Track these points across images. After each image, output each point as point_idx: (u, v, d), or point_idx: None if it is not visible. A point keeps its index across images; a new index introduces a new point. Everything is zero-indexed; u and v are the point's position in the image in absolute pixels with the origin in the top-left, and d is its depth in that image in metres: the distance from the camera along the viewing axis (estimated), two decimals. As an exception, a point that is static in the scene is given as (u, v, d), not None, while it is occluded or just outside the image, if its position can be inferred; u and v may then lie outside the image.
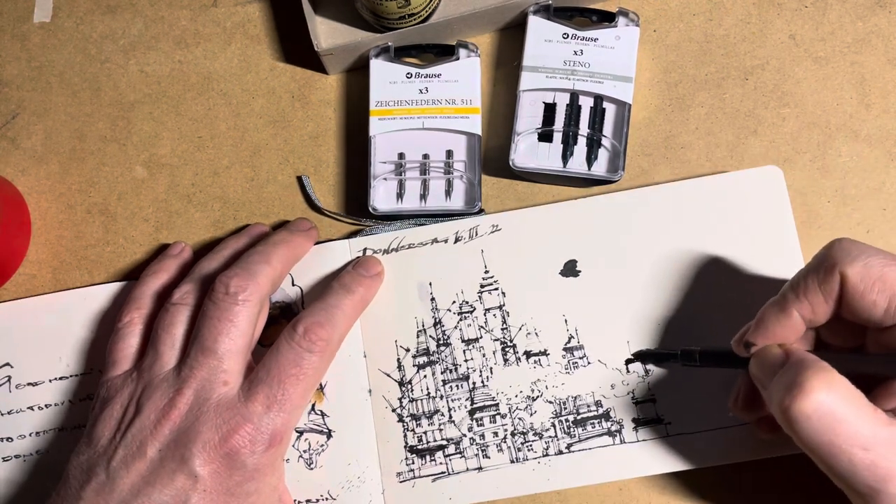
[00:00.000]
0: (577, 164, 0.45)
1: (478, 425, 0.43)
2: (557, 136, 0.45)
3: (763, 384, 0.35)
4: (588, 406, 0.43)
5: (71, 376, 0.45)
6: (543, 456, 0.43)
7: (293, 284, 0.45)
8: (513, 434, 0.43)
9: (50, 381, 0.45)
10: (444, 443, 0.43)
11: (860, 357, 0.35)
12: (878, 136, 0.46)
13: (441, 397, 0.44)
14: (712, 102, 0.47)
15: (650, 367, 0.43)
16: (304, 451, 0.43)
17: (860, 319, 0.34)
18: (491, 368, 0.44)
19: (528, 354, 0.44)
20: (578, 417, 0.43)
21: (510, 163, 0.45)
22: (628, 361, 0.43)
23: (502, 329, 0.44)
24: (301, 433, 0.44)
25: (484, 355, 0.44)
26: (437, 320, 0.45)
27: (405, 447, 0.43)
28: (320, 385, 0.44)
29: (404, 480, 0.43)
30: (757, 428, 0.40)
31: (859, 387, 0.32)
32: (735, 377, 0.40)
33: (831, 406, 0.31)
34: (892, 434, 0.31)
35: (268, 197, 0.48)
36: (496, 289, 0.45)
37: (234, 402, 0.38)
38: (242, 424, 0.37)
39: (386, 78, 0.46)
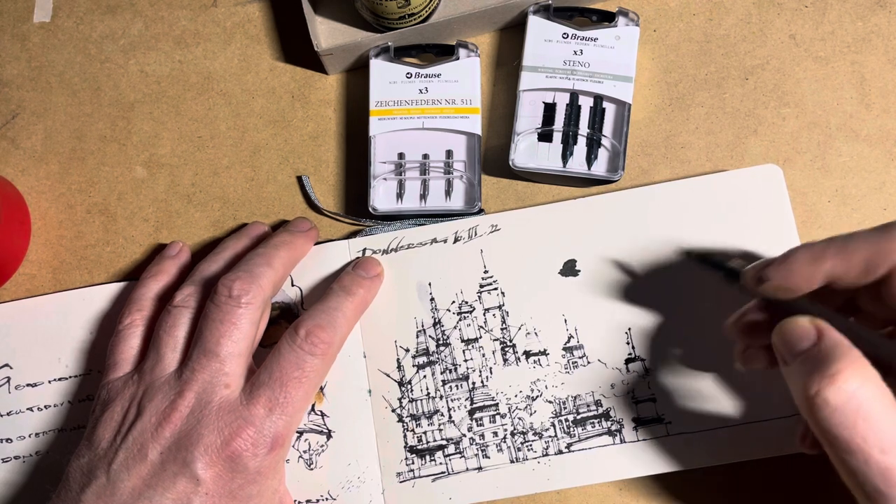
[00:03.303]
0: (577, 163, 0.45)
1: (477, 425, 0.43)
2: (557, 136, 0.45)
3: (785, 359, 0.33)
4: (588, 406, 0.43)
5: (71, 377, 0.45)
6: (543, 456, 0.43)
7: (293, 285, 0.45)
8: (512, 434, 0.43)
9: (49, 381, 0.45)
10: (444, 443, 0.43)
11: (891, 344, 0.32)
12: (878, 136, 0.46)
13: (441, 397, 0.44)
14: (712, 102, 0.47)
15: (647, 360, 0.43)
16: (304, 452, 0.43)
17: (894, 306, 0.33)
18: (490, 368, 0.44)
19: (527, 354, 0.44)
20: (578, 417, 0.43)
21: (510, 163, 0.45)
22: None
23: (502, 329, 0.44)
24: (301, 433, 0.44)
25: (483, 355, 0.44)
26: (437, 320, 0.45)
27: (405, 447, 0.43)
28: (320, 386, 0.44)
29: (404, 480, 0.43)
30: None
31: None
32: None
33: (861, 401, 0.30)
34: None
35: (268, 197, 0.48)
36: (496, 289, 0.45)
37: (236, 405, 0.38)
38: (244, 427, 0.37)
39: (386, 78, 0.46)
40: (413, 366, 0.44)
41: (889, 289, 0.33)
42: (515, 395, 0.43)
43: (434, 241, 0.45)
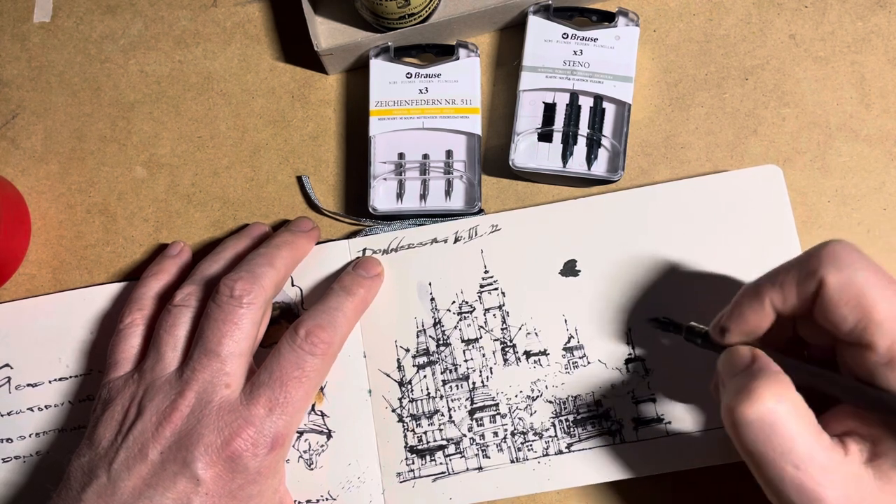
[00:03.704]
0: (577, 164, 0.45)
1: (478, 425, 0.43)
2: (557, 136, 0.45)
3: (723, 382, 0.35)
4: (588, 406, 0.43)
5: (71, 377, 0.45)
6: (543, 456, 0.43)
7: (293, 285, 0.45)
8: (513, 434, 0.43)
9: (50, 381, 0.45)
10: (445, 443, 0.43)
11: (822, 373, 0.34)
12: (878, 136, 0.46)
13: (441, 397, 0.44)
14: (712, 102, 0.47)
15: (647, 360, 0.43)
16: (305, 452, 0.43)
17: (826, 326, 0.33)
18: (491, 368, 0.44)
19: (527, 354, 0.44)
20: (578, 417, 0.43)
21: (510, 163, 0.45)
22: (651, 321, 0.42)
23: (502, 329, 0.44)
24: (301, 433, 0.44)
25: (484, 355, 0.44)
26: (437, 320, 0.45)
27: (405, 447, 0.43)
28: (321, 386, 0.44)
29: (404, 480, 0.43)
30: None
31: (818, 401, 0.33)
32: None
33: (774, 418, 0.31)
34: (829, 460, 0.31)
35: (268, 197, 0.48)
36: (496, 289, 0.45)
37: (237, 404, 0.38)
38: (245, 428, 0.37)
39: (386, 78, 0.46)
40: (413, 366, 0.44)
41: (820, 308, 0.33)
42: (516, 396, 0.43)
43: (434, 241, 0.45)
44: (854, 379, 0.33)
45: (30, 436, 0.45)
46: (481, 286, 0.45)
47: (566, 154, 0.45)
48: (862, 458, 0.32)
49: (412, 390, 0.44)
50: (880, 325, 0.31)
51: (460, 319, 0.44)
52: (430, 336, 0.44)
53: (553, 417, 0.43)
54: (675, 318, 0.41)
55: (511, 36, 0.48)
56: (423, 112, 0.46)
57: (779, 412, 0.31)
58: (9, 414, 0.45)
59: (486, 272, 0.45)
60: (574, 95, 0.45)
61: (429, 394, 0.44)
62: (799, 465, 0.31)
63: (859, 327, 0.32)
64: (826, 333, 0.34)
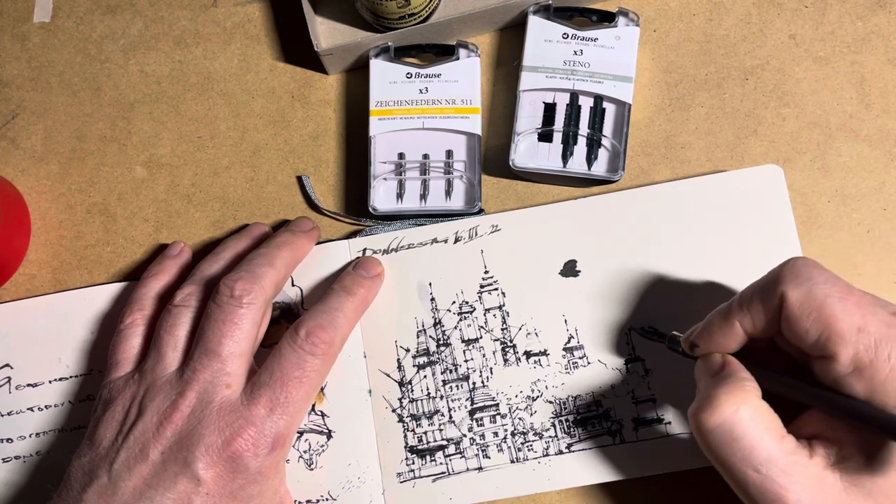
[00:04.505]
0: (577, 164, 0.45)
1: (478, 425, 0.43)
2: (557, 136, 0.45)
3: (698, 387, 0.36)
4: (588, 406, 0.43)
5: (71, 377, 0.45)
6: (543, 456, 0.43)
7: (293, 285, 0.45)
8: (513, 434, 0.43)
9: (50, 382, 0.45)
10: (445, 443, 0.43)
11: (789, 381, 0.34)
12: (878, 136, 0.46)
13: (441, 397, 0.44)
14: (712, 102, 0.47)
15: (647, 361, 0.43)
16: (305, 452, 0.43)
17: (792, 342, 0.34)
18: (491, 368, 0.44)
19: (528, 354, 0.44)
20: (578, 417, 0.43)
21: (510, 163, 0.45)
22: (633, 330, 0.43)
23: (502, 329, 0.44)
24: (301, 434, 0.44)
25: (484, 355, 0.44)
26: (437, 320, 0.45)
27: (405, 447, 0.43)
28: (321, 386, 0.44)
29: (405, 481, 0.43)
30: None
31: (792, 407, 0.34)
32: None
33: (733, 425, 0.32)
34: (792, 461, 0.32)
35: (268, 197, 0.48)
36: (496, 289, 0.45)
37: (237, 405, 0.38)
38: (245, 428, 0.37)
39: (386, 78, 0.46)
40: (413, 366, 0.44)
41: (786, 323, 0.34)
42: (516, 396, 0.43)
43: (434, 241, 0.45)
44: (821, 387, 0.33)
45: (30, 436, 0.45)
46: (481, 286, 0.45)
47: (566, 154, 0.45)
48: (828, 461, 0.33)
49: (412, 390, 0.44)
50: (842, 337, 0.32)
51: (460, 319, 0.45)
52: (431, 336, 0.44)
53: (553, 418, 0.43)
54: (663, 326, 0.42)
55: (511, 36, 0.48)
56: (424, 112, 0.46)
57: (739, 418, 0.32)
58: (9, 414, 0.45)
59: (486, 272, 0.45)
60: (574, 95, 0.45)
61: (429, 394, 0.44)
62: (759, 468, 0.32)
63: (822, 339, 0.32)
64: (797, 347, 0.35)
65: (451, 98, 0.46)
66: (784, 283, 0.33)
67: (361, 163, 0.48)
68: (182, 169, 0.49)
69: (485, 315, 0.44)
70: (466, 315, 0.45)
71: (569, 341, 0.44)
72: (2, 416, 0.45)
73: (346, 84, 0.49)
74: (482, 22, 0.47)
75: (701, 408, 0.33)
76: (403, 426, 0.44)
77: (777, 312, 0.34)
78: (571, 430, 0.43)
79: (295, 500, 0.43)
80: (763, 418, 0.33)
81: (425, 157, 0.46)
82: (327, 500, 0.43)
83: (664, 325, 0.43)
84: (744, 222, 0.44)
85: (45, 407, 0.45)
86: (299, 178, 0.48)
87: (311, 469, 0.43)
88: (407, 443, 0.43)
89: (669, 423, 0.42)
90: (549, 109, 0.46)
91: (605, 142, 0.45)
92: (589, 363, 0.43)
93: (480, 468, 0.43)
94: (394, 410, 0.44)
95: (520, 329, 0.44)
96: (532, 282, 0.44)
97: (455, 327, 0.44)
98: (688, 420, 0.39)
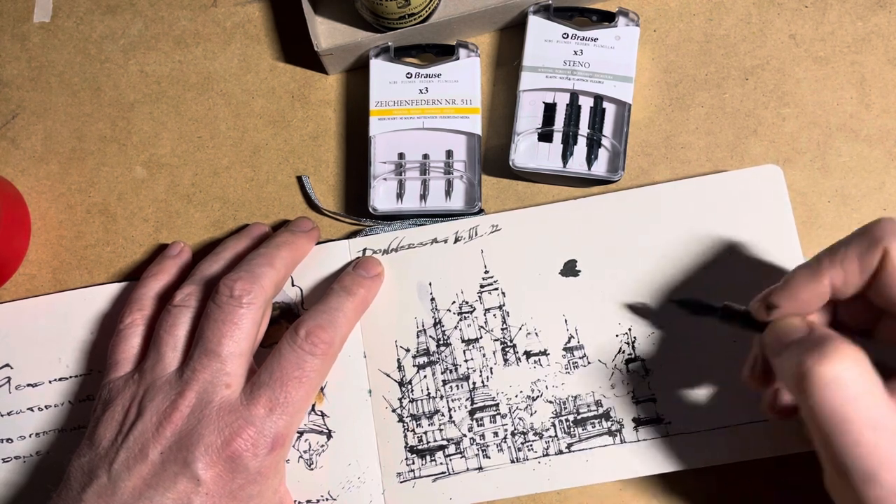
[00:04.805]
0: (577, 164, 0.45)
1: (478, 425, 0.43)
2: (557, 136, 0.45)
3: (777, 351, 0.33)
4: (588, 406, 0.43)
5: (71, 377, 0.45)
6: (544, 456, 0.43)
7: (293, 285, 0.45)
8: (513, 434, 0.43)
9: (50, 382, 0.45)
10: (445, 443, 0.43)
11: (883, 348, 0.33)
12: (878, 136, 0.46)
13: (441, 397, 0.44)
14: (712, 102, 0.47)
15: (647, 360, 0.43)
16: (305, 452, 0.43)
17: (887, 302, 0.33)
18: (491, 368, 0.44)
19: (528, 354, 0.44)
20: (578, 417, 0.43)
21: (510, 163, 0.45)
22: (673, 301, 0.42)
23: (502, 329, 0.44)
24: (301, 433, 0.44)
25: (484, 355, 0.44)
26: (437, 320, 0.45)
27: (405, 447, 0.43)
28: (321, 386, 0.44)
29: (405, 481, 0.43)
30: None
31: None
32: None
33: (853, 378, 0.30)
34: None
35: (268, 197, 0.48)
36: (496, 289, 0.45)
37: (237, 405, 0.38)
38: (245, 428, 0.37)
39: (386, 78, 0.46)
40: (413, 366, 0.44)
41: (884, 281, 0.33)
42: (516, 396, 0.43)
43: (434, 241, 0.45)
44: None
45: (30, 436, 0.45)
46: (481, 286, 0.45)
47: (566, 154, 0.45)
48: None
49: (412, 390, 0.44)
50: None
51: (460, 319, 0.44)
52: (431, 336, 0.44)
53: (553, 417, 0.43)
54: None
55: (511, 36, 0.48)
56: (424, 112, 0.46)
57: (857, 373, 0.30)
58: (9, 414, 0.45)
59: (486, 272, 0.45)
60: (574, 95, 0.45)
61: (429, 394, 0.44)
62: (877, 427, 0.30)
63: None
64: (871, 313, 0.34)
65: (451, 98, 0.46)
66: (886, 237, 0.32)
67: (361, 163, 0.48)
68: (182, 169, 0.49)
69: (485, 315, 0.44)
70: (466, 315, 0.45)
71: (569, 341, 0.44)
72: (2, 416, 0.45)
73: (346, 84, 0.49)
74: (482, 22, 0.47)
75: (815, 361, 0.30)
76: (403, 426, 0.44)
77: (874, 270, 0.33)
78: (571, 429, 0.43)
79: (295, 500, 0.43)
80: (874, 377, 0.31)
81: (425, 157, 0.46)
82: (327, 500, 0.43)
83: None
84: (744, 222, 0.44)
85: (45, 407, 0.45)
86: (299, 178, 0.48)
87: (311, 469, 0.43)
88: (407, 443, 0.43)
89: (669, 423, 0.42)
90: (549, 109, 0.46)
91: (605, 142, 0.45)
92: (589, 363, 0.43)
93: (480, 468, 0.43)
94: (394, 410, 0.44)
95: (520, 329, 0.44)
96: (532, 282, 0.44)
97: (455, 327, 0.44)
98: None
